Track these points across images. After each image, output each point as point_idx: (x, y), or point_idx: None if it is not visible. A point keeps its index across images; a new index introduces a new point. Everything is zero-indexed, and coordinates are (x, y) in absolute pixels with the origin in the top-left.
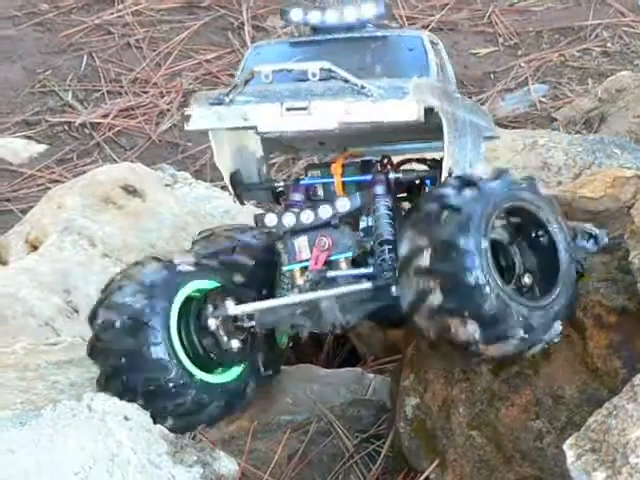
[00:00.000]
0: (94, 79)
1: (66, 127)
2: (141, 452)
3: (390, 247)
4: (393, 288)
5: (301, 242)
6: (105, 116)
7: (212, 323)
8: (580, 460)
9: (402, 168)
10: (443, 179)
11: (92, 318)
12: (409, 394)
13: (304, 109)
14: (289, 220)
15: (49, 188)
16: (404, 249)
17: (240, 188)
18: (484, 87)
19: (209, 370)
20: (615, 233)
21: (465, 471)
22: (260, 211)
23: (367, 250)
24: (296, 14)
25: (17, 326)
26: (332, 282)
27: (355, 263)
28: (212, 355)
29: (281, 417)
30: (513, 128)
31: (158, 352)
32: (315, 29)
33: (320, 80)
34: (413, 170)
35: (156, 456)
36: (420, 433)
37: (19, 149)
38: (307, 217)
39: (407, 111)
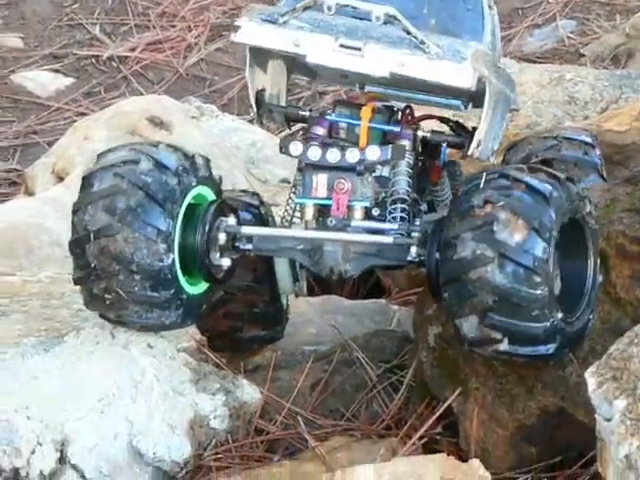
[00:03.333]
0: (122, 13)
1: (93, 60)
2: (164, 380)
3: (403, 206)
4: (413, 249)
5: (320, 179)
6: (132, 50)
7: (214, 235)
8: (601, 388)
9: (431, 129)
10: (471, 150)
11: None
12: (432, 323)
13: (358, 49)
14: (315, 154)
15: (76, 121)
16: (463, 252)
17: (263, 108)
18: (512, 23)
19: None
20: None
21: (487, 400)
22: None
23: (379, 201)
24: None
25: (43, 256)
26: (352, 230)
27: (367, 213)
28: (199, 266)
29: (305, 347)
30: (541, 64)
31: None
32: None
33: (381, 24)
34: (442, 133)
35: (179, 384)
36: (442, 362)
37: (46, 82)
38: (334, 156)
39: (462, 77)
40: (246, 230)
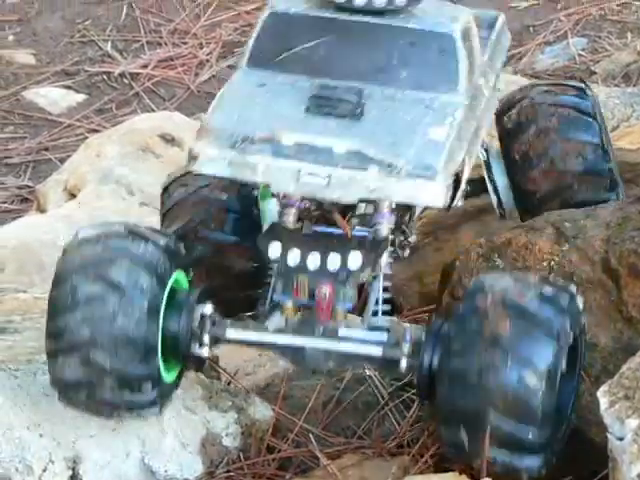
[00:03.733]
0: (134, 29)
1: (105, 77)
2: (176, 397)
3: (387, 308)
4: (403, 362)
5: (300, 281)
6: (144, 66)
7: (197, 330)
8: (614, 407)
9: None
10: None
11: None
12: None
13: (323, 178)
14: (293, 260)
15: (88, 138)
16: (460, 363)
17: None
18: (523, 40)
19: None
20: None
21: None
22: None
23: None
24: None
25: None
26: (341, 339)
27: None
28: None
29: None
30: None
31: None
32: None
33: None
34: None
35: (191, 401)
36: None
37: (58, 99)
38: (313, 263)
39: (434, 198)
40: (231, 334)
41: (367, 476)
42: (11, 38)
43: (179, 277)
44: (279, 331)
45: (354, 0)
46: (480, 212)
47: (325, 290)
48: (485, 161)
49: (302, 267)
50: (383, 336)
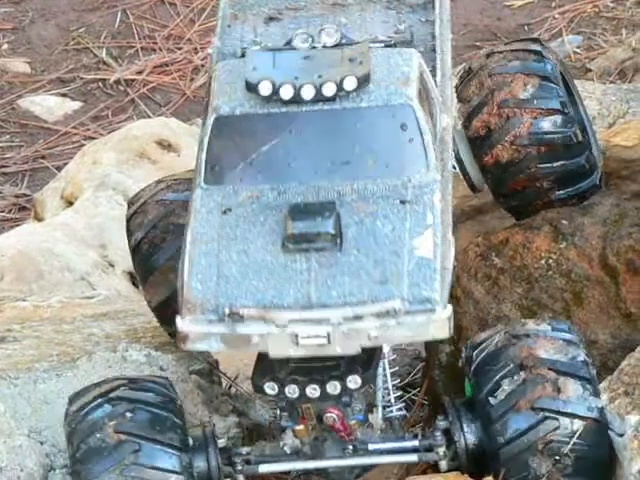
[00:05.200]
0: (128, 36)
1: (100, 84)
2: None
3: (402, 414)
4: (443, 464)
5: (305, 409)
6: (139, 73)
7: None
8: (613, 403)
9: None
10: None
11: None
12: (443, 341)
13: (323, 337)
14: (292, 392)
15: (84, 145)
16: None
17: None
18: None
19: None
20: None
21: None
22: None
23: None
24: (265, 89)
25: (53, 281)
26: (373, 453)
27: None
28: None
29: None
30: None
31: None
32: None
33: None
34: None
35: (192, 406)
36: (454, 381)
37: (54, 107)
38: (313, 392)
39: (437, 331)
40: (264, 469)
41: (369, 476)
42: (5, 47)
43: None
44: (297, 453)
45: (302, 94)
46: (477, 212)
47: (332, 415)
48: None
49: (303, 397)
50: (415, 442)
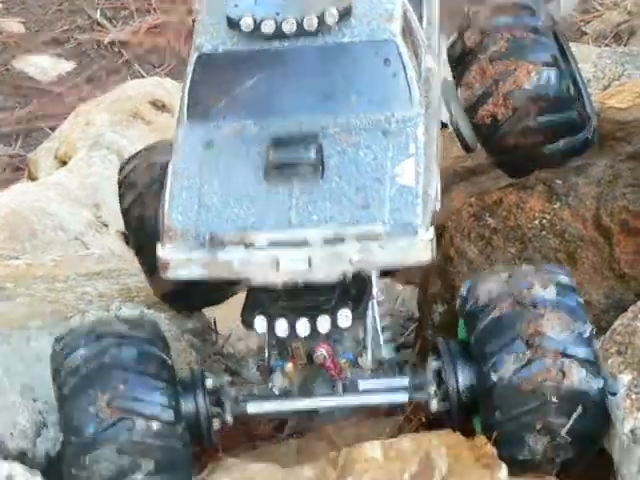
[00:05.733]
0: None
1: (95, 45)
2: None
3: (396, 361)
4: (433, 403)
5: (294, 348)
6: (134, 34)
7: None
8: (606, 363)
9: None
10: None
11: None
12: (436, 301)
13: (303, 262)
14: (282, 330)
15: (78, 106)
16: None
17: None
18: None
19: None
20: None
21: None
22: None
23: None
24: (247, 24)
25: (47, 240)
26: (363, 392)
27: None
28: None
29: None
30: None
31: None
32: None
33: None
34: None
35: (185, 364)
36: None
37: (48, 67)
38: (303, 329)
39: (419, 254)
40: (252, 408)
41: (361, 436)
42: (0, 6)
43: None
44: (287, 392)
45: (283, 28)
46: (471, 173)
47: (322, 352)
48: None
49: (293, 335)
50: (405, 381)
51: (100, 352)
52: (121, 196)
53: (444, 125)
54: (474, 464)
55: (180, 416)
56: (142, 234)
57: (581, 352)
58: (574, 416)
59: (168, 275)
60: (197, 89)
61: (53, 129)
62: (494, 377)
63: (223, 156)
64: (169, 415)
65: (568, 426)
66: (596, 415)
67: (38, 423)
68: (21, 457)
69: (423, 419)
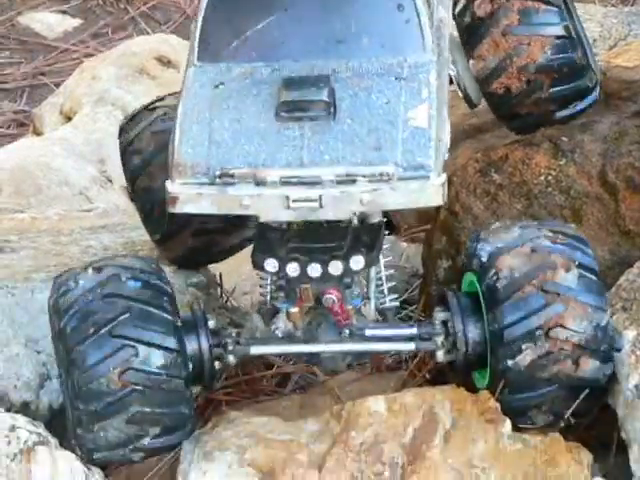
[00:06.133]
0: None
1: (100, 1)
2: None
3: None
4: (439, 354)
5: (303, 290)
6: None
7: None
8: (612, 319)
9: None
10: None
11: None
12: (441, 257)
13: (314, 200)
14: (293, 270)
15: (83, 62)
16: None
17: None
18: None
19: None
20: None
21: None
22: None
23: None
24: None
25: (52, 195)
26: (369, 339)
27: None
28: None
29: None
30: None
31: None
32: None
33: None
34: None
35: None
36: None
37: (54, 24)
38: (315, 271)
39: (432, 198)
40: (255, 350)
41: (365, 391)
42: None
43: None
44: (289, 337)
45: None
46: (478, 130)
47: (332, 297)
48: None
49: (304, 276)
50: (413, 330)
51: (101, 283)
52: (125, 163)
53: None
54: (478, 418)
55: (184, 347)
56: (149, 204)
57: (597, 343)
58: (579, 399)
59: (177, 210)
60: (208, 29)
61: (58, 85)
62: (509, 362)
63: (234, 96)
64: (172, 344)
65: (572, 408)
66: (602, 396)
67: (42, 375)
68: (24, 409)
69: (427, 375)
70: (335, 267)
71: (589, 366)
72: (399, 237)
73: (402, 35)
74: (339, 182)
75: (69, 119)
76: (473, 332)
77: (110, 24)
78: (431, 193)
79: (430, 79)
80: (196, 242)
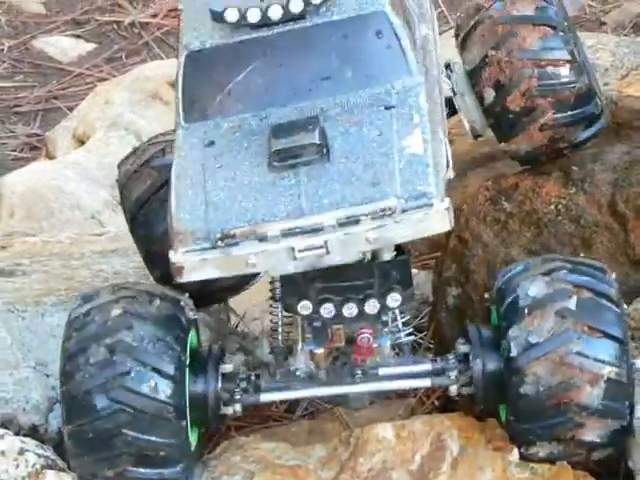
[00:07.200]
0: None
1: (115, 26)
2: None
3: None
4: (453, 389)
5: (335, 330)
6: (154, 16)
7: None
8: None
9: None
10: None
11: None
12: (450, 284)
13: (320, 247)
14: (328, 312)
15: (97, 86)
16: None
17: None
18: None
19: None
20: None
21: None
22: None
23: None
24: (232, 15)
25: (63, 219)
26: (383, 378)
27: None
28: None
29: None
30: None
31: None
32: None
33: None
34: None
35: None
36: (461, 323)
37: (68, 48)
38: (350, 311)
39: (437, 224)
40: (265, 397)
41: (374, 418)
42: None
43: (193, 335)
44: (311, 378)
45: (269, 14)
46: (489, 159)
47: (368, 336)
48: (452, 88)
49: (339, 317)
50: (427, 365)
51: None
52: (123, 201)
53: (454, 111)
54: (485, 446)
55: (183, 379)
56: (148, 242)
57: (612, 370)
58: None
59: (184, 279)
60: (190, 89)
61: (72, 109)
62: (523, 389)
63: (225, 152)
64: (171, 370)
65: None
66: (620, 432)
67: (51, 398)
68: (33, 432)
69: (436, 402)
70: (372, 306)
71: (608, 394)
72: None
73: (385, 62)
74: (342, 224)
75: (82, 143)
76: (491, 362)
77: (124, 49)
78: (437, 220)
79: (420, 102)
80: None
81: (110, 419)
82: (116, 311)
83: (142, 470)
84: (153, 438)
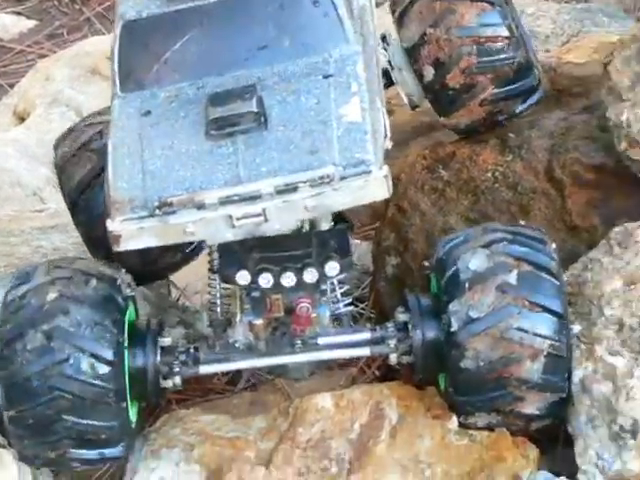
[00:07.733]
0: None
1: (56, 3)
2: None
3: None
4: (392, 357)
5: (274, 300)
6: None
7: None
8: None
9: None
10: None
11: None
12: (389, 253)
13: (259, 215)
14: (266, 282)
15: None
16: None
17: None
18: None
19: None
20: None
21: None
22: None
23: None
24: None
25: (4, 196)
26: (322, 347)
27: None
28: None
29: None
30: None
31: None
32: None
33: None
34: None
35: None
36: (401, 292)
37: (9, 25)
38: (289, 280)
39: (375, 191)
40: (204, 369)
41: (315, 388)
42: None
43: (131, 311)
44: (250, 349)
45: None
46: (430, 128)
47: (307, 305)
48: (389, 61)
49: (277, 287)
50: (366, 334)
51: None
52: (62, 184)
53: (391, 83)
54: (424, 414)
55: (122, 360)
56: (90, 225)
57: (552, 344)
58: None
59: (121, 248)
60: (127, 59)
61: (13, 86)
62: (464, 363)
63: (162, 122)
64: (109, 356)
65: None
66: (559, 403)
67: None
68: None
69: (377, 372)
70: (311, 275)
71: (548, 367)
72: (351, 235)
73: (322, 30)
74: (280, 192)
75: (22, 120)
76: (431, 330)
77: (65, 25)
78: (375, 187)
79: (358, 71)
80: (138, 261)
81: (50, 405)
82: (52, 295)
83: (83, 451)
84: (93, 422)
